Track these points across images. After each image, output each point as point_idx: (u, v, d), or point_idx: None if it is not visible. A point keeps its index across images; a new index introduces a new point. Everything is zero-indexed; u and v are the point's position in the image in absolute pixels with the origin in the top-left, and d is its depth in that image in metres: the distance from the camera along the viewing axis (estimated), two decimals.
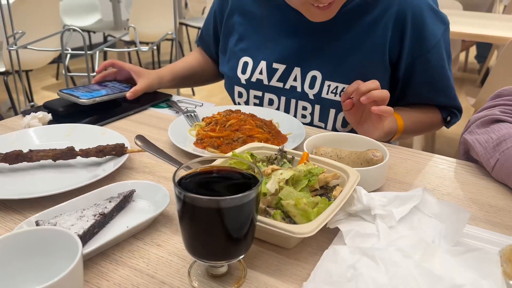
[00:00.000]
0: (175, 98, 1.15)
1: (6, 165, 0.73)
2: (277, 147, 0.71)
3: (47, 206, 0.64)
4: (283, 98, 1.03)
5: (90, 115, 0.97)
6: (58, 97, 1.00)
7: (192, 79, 1.25)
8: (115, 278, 0.52)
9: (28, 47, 1.63)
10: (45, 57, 2.66)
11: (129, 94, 1.05)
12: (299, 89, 1.00)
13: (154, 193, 0.65)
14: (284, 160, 0.69)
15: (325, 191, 0.64)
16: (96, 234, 0.58)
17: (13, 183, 0.70)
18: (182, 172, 0.49)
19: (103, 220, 0.59)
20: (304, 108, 1.01)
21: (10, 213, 0.63)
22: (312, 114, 1.00)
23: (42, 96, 3.63)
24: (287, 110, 1.03)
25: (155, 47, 2.69)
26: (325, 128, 1.01)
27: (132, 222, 0.59)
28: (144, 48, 1.63)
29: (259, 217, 0.53)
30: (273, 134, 0.88)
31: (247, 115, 0.90)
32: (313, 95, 0.98)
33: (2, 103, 3.26)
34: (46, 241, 0.46)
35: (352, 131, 0.95)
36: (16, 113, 2.69)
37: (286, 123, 0.95)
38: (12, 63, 1.89)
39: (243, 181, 0.50)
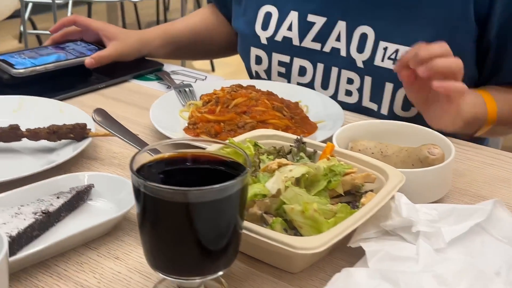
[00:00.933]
0: (168, 68, 1.23)
1: None
2: (295, 137, 0.76)
3: None
4: (320, 66, 1.07)
5: (47, 85, 1.06)
6: None
7: (194, 47, 1.31)
8: None
9: None
10: (3, 9, 2.82)
11: (88, 60, 1.10)
12: (343, 53, 1.04)
13: (119, 190, 0.72)
14: (302, 154, 0.74)
15: (354, 198, 0.68)
16: (36, 238, 0.65)
17: None
18: (145, 158, 0.56)
19: (47, 221, 0.66)
20: (350, 81, 1.05)
21: None
22: (360, 90, 1.04)
23: None
24: (325, 84, 1.07)
25: None
26: (378, 111, 1.04)
27: (85, 226, 0.66)
28: None
29: (251, 226, 0.58)
30: (296, 121, 0.93)
31: (261, 92, 0.96)
32: (363, 62, 1.02)
33: None
34: None
35: (419, 118, 0.96)
36: None
37: (319, 106, 0.99)
38: None
39: (228, 172, 0.55)
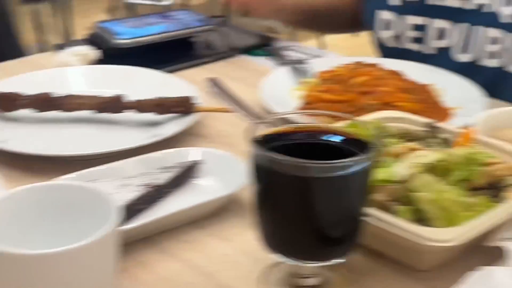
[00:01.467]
0: (281, 43, 1.27)
1: (31, 112, 0.90)
2: (426, 121, 0.77)
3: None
4: (460, 27, 1.07)
5: (150, 56, 1.13)
6: None
7: (319, 18, 1.34)
8: (162, 271, 0.64)
9: None
10: None
11: None
12: (488, 8, 1.03)
13: (229, 169, 0.76)
14: (433, 140, 0.75)
15: (494, 192, 0.68)
16: (142, 211, 0.71)
17: (36, 137, 0.87)
18: (263, 131, 0.59)
19: (153, 195, 0.72)
20: (493, 41, 1.04)
21: (33, 176, 0.80)
22: (506, 51, 1.03)
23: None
24: (465, 47, 1.07)
25: None
26: None
27: (192, 204, 0.71)
28: None
29: (376, 213, 0.61)
30: (428, 105, 0.94)
31: (386, 71, 0.98)
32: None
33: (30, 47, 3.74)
34: (71, 201, 0.60)
35: None
36: None
37: (457, 90, 1.00)
38: None
39: (353, 150, 0.58)
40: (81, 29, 4.23)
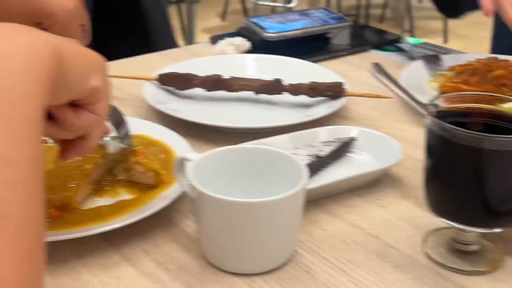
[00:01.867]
0: (409, 40, 1.28)
1: (203, 91, 0.96)
2: None
3: (246, 141, 0.84)
4: None
5: (293, 49, 1.16)
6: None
7: None
8: (331, 229, 0.67)
9: None
10: None
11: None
12: None
13: (380, 146, 0.79)
14: None
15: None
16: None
17: (207, 112, 0.92)
18: (439, 107, 0.61)
19: (317, 164, 0.75)
20: None
21: (205, 143, 0.84)
22: None
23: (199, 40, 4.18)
24: None
25: None
26: None
27: (350, 174, 0.74)
28: None
29: None
30: None
31: None
32: None
33: None
34: (264, 162, 0.64)
35: None
36: None
37: None
38: None
39: None
40: (199, 30, 4.38)
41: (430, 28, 4.74)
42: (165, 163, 0.73)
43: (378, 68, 0.84)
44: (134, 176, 0.71)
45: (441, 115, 0.61)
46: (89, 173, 0.69)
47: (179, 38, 3.45)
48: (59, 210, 0.65)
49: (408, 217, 0.69)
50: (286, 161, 0.63)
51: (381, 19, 5.05)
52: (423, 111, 0.76)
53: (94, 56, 0.50)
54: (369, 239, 0.66)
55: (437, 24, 4.59)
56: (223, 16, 4.80)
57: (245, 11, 3.77)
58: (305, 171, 0.60)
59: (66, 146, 0.53)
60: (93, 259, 0.62)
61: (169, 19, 1.41)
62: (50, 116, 0.49)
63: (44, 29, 0.60)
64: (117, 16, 1.32)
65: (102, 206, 0.68)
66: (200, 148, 0.83)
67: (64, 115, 0.49)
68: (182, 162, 0.65)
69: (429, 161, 0.60)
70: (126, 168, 0.71)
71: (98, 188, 0.71)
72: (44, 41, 0.43)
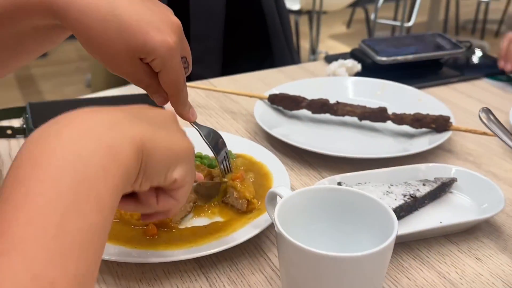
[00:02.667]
0: None
1: (308, 112, 0.86)
2: None
3: (345, 169, 0.73)
4: None
5: (404, 72, 1.03)
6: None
7: None
8: (418, 278, 0.56)
9: None
10: None
11: None
12: None
13: (481, 190, 0.65)
14: None
15: None
16: (401, 218, 0.62)
17: (311, 134, 0.83)
18: None
19: (412, 205, 0.63)
20: None
21: (305, 166, 0.75)
22: None
23: (326, 46, 4.04)
24: None
25: None
26: None
27: (446, 218, 0.62)
28: None
29: None
30: None
31: None
32: None
33: None
34: (353, 205, 0.53)
35: None
36: (299, 61, 3.09)
37: None
38: (314, 1, 2.16)
39: None
40: (326, 36, 4.24)
41: None
42: (260, 188, 0.65)
43: (488, 114, 0.69)
44: (228, 198, 0.63)
45: None
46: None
47: (306, 42, 3.35)
48: (157, 227, 0.59)
49: (504, 275, 0.56)
50: (378, 209, 0.52)
51: (496, 34, 4.62)
52: None
53: (181, 146, 0.44)
54: None
55: None
56: (348, 24, 4.62)
57: (367, 24, 3.58)
58: (396, 224, 0.48)
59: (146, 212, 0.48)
60: (181, 281, 0.55)
61: (291, 37, 1.32)
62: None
63: (147, 64, 0.54)
64: (245, 35, 1.26)
65: (197, 227, 0.60)
66: (299, 171, 0.74)
67: (144, 197, 0.44)
68: (273, 195, 0.56)
69: None
70: (223, 190, 0.64)
71: (197, 207, 0.64)
72: (129, 137, 0.37)
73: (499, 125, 0.67)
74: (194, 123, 0.63)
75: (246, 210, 0.61)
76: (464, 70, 1.08)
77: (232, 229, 0.59)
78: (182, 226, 0.60)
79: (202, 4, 1.19)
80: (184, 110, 0.59)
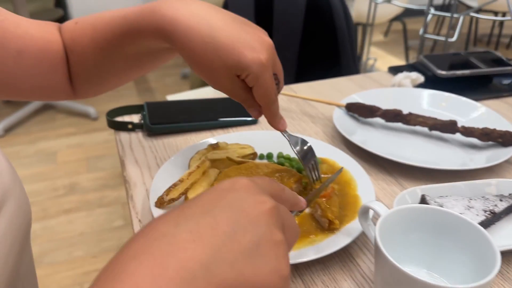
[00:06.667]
0: None
1: (381, 120, 0.74)
2: None
3: (418, 176, 0.62)
4: None
5: (460, 85, 0.89)
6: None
7: None
8: None
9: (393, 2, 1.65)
10: (390, 13, 2.71)
11: None
12: None
13: None
14: None
15: None
16: None
17: (384, 141, 0.71)
18: None
19: (490, 220, 0.51)
20: None
21: (381, 171, 0.64)
22: None
23: (370, 51, 3.81)
24: None
25: None
26: None
27: None
28: None
29: None
30: None
31: None
32: None
33: None
34: (447, 227, 0.42)
35: None
36: None
37: None
38: (368, 16, 1.99)
39: None
40: (367, 43, 3.99)
41: None
42: (344, 197, 0.54)
43: None
44: (314, 212, 0.53)
45: None
46: None
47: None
48: None
49: None
50: (474, 233, 0.40)
51: (508, 46, 4.24)
52: None
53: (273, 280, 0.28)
54: None
55: None
56: (386, 33, 4.35)
57: (404, 35, 3.33)
58: (499, 258, 0.37)
59: None
60: None
61: (356, 49, 1.18)
62: None
63: (243, 80, 0.47)
64: (318, 47, 1.14)
65: None
66: (376, 175, 0.63)
67: None
68: (367, 209, 0.45)
69: None
70: (310, 202, 0.53)
71: None
72: (204, 264, 0.25)
73: None
74: (284, 132, 0.54)
75: (327, 229, 0.50)
76: (511, 85, 0.91)
77: (326, 236, 0.49)
78: None
79: (283, 20, 1.08)
80: (275, 121, 0.52)
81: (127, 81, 0.56)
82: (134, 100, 2.75)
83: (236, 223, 0.27)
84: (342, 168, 0.53)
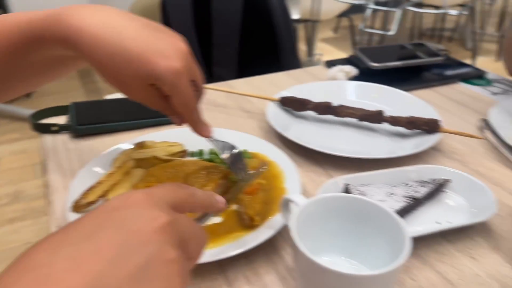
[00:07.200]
0: (491, 75, 0.97)
1: (313, 113, 0.74)
2: None
3: (347, 166, 0.62)
4: None
5: (393, 76, 0.91)
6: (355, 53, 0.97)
7: None
8: (421, 280, 0.45)
9: None
10: (336, 9, 2.76)
11: None
12: None
13: (473, 191, 0.54)
14: None
15: None
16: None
17: (316, 133, 0.71)
18: None
19: (412, 206, 0.52)
20: None
21: (312, 163, 0.64)
22: None
23: (319, 48, 3.87)
24: None
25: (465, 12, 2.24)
26: None
27: (442, 217, 0.51)
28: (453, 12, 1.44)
29: None
30: None
31: None
32: None
33: None
34: (365, 214, 0.42)
35: None
36: None
37: None
38: (312, 12, 2.01)
39: None
40: (318, 39, 4.06)
41: (485, 48, 4.07)
42: (270, 194, 0.53)
43: (486, 123, 0.58)
44: (239, 209, 0.51)
45: None
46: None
47: (302, 44, 3.19)
48: None
49: (501, 277, 0.45)
50: (389, 219, 0.41)
51: (450, 39, 4.43)
52: None
53: None
54: None
55: (491, 46, 3.93)
56: (335, 30, 4.44)
57: (351, 31, 3.40)
58: (408, 243, 0.37)
59: None
60: (201, 279, 0.44)
61: (295, 44, 1.19)
62: None
63: (158, 89, 0.45)
64: (258, 43, 1.13)
65: (216, 224, 0.50)
66: (307, 167, 0.63)
67: None
68: (287, 202, 0.45)
69: None
70: (232, 200, 0.52)
71: None
72: None
73: (494, 134, 0.56)
74: (209, 139, 0.52)
75: (249, 225, 0.48)
76: (441, 74, 0.95)
77: (248, 231, 0.48)
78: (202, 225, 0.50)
79: (222, 18, 1.07)
80: (198, 128, 0.50)
81: (38, 86, 0.52)
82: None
83: (122, 246, 0.24)
84: (266, 164, 0.52)
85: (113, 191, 0.49)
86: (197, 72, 0.47)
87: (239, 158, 0.53)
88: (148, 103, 0.46)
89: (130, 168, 0.53)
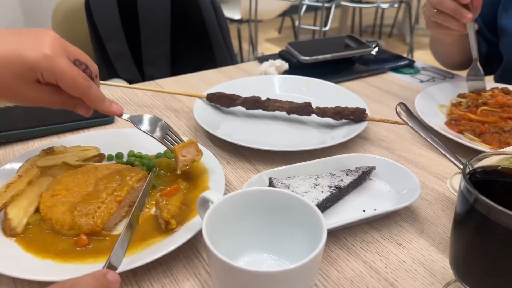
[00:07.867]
0: (419, 64, 0.99)
1: (243, 108, 0.72)
2: None
3: (277, 160, 0.60)
4: None
5: (324, 70, 0.90)
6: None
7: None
8: (347, 270, 0.44)
9: None
10: (276, 9, 2.77)
11: None
12: None
13: (398, 177, 0.54)
14: None
15: None
16: (327, 208, 0.50)
17: (246, 129, 0.69)
18: (475, 163, 0.36)
19: (337, 195, 0.51)
20: None
21: (241, 160, 0.62)
22: None
23: (264, 48, 3.88)
24: None
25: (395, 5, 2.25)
26: None
27: (368, 205, 0.50)
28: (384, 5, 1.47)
29: None
30: None
31: None
32: None
33: None
34: (283, 205, 0.40)
35: None
36: (241, 61, 2.93)
37: None
38: (250, 12, 2.00)
39: None
40: (263, 40, 4.08)
41: (424, 42, 4.26)
42: (192, 195, 0.50)
43: (404, 108, 0.58)
44: (155, 211, 0.48)
45: (475, 177, 0.35)
46: (121, 199, 0.47)
47: (247, 43, 3.18)
48: (88, 237, 0.43)
49: (426, 261, 0.45)
50: (308, 211, 0.39)
51: (390, 35, 4.59)
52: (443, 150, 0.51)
53: None
54: (385, 285, 0.42)
55: (427, 39, 4.12)
56: (279, 30, 4.47)
57: (294, 30, 3.44)
58: (324, 232, 0.35)
59: None
60: None
61: (229, 41, 1.16)
62: None
63: (48, 85, 0.44)
64: (190, 41, 1.10)
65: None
66: (235, 164, 0.60)
67: None
68: (204, 200, 0.42)
69: (460, 225, 0.35)
70: (132, 225, 0.47)
71: (130, 211, 0.49)
72: None
73: (413, 118, 0.56)
74: (129, 118, 0.49)
75: (165, 230, 0.44)
76: (372, 65, 0.96)
77: (165, 235, 0.45)
78: (115, 232, 0.46)
79: (149, 16, 1.02)
80: (103, 105, 0.47)
81: None
82: None
83: None
84: (153, 171, 0.49)
85: (15, 203, 0.44)
86: (77, 51, 0.46)
87: (167, 130, 0.51)
88: (42, 101, 0.44)
89: (34, 176, 0.47)
